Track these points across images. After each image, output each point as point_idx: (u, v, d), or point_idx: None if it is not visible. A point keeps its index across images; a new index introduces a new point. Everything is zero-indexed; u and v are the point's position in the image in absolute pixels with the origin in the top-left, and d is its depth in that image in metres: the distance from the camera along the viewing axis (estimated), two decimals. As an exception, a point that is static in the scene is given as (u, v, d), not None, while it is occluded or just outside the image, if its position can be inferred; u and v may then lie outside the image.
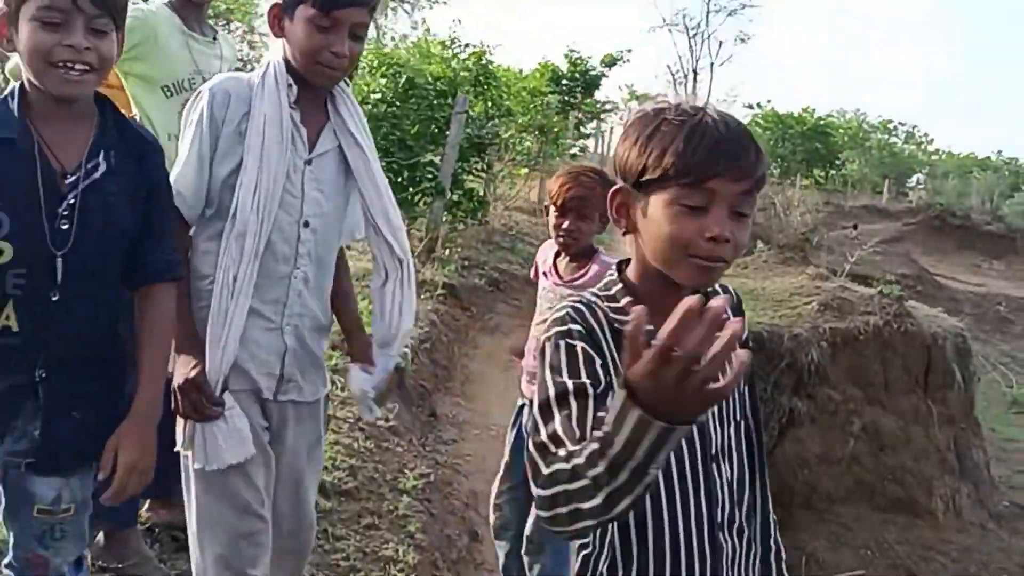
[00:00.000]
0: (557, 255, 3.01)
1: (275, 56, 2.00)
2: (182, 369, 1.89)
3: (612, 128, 23.25)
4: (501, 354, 7.28)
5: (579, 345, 1.32)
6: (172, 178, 1.92)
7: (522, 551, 3.00)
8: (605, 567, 1.40)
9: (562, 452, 1.17)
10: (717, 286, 1.49)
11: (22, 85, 1.61)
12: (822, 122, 41.60)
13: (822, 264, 15.40)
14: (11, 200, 1.56)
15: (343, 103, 2.06)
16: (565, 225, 2.85)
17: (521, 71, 16.33)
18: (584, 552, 1.42)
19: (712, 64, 36.14)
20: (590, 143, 22.58)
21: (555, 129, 13.86)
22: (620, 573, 1.39)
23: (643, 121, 1.36)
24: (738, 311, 1.62)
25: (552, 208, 2.89)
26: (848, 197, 40.24)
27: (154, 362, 1.73)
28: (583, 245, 2.90)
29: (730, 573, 1.44)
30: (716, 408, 1.44)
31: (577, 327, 1.34)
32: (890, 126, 46.88)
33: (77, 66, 1.56)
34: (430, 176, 8.53)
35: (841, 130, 43.91)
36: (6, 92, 1.63)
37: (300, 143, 1.99)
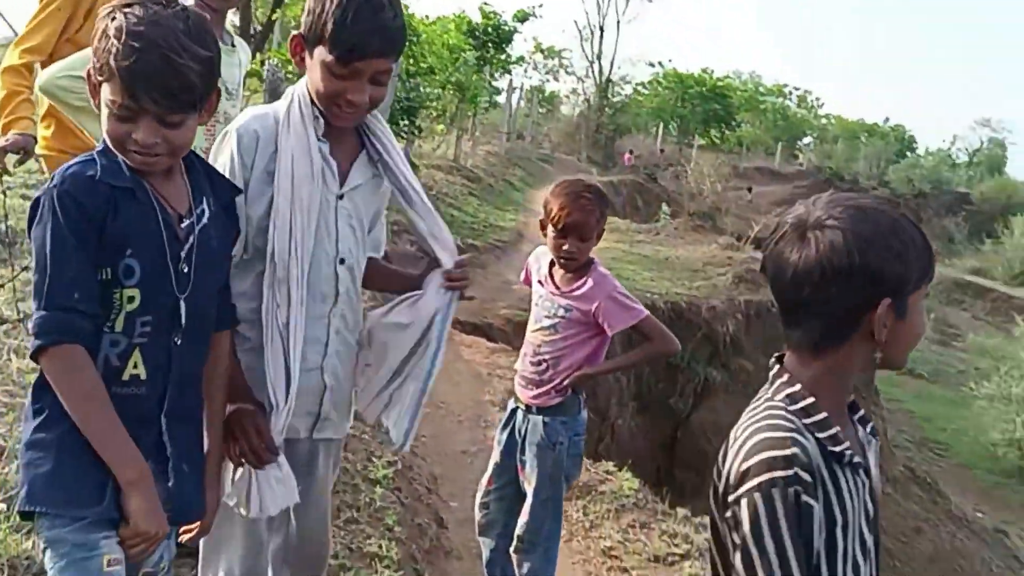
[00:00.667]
0: (552, 263, 3.06)
1: (299, 89, 1.93)
2: (241, 415, 1.86)
3: (523, 84, 23.27)
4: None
5: (807, 503, 1.28)
6: None
7: (511, 549, 3.09)
8: None
9: None
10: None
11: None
12: (720, 84, 42.53)
13: (727, 229, 15.99)
14: (140, 247, 1.55)
15: (378, 130, 2.00)
16: (566, 247, 2.90)
17: (428, 16, 16.07)
18: None
19: (619, 22, 36.26)
20: (501, 98, 22.52)
21: (472, 87, 13.78)
22: None
23: (893, 228, 1.37)
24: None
25: (551, 228, 2.93)
26: (743, 158, 41.50)
27: (221, 405, 1.77)
28: (582, 262, 2.96)
29: None
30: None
31: (805, 476, 1.28)
32: (784, 90, 48.31)
33: (151, 158, 1.56)
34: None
35: (738, 92, 44.98)
36: (100, 146, 1.60)
37: (331, 177, 1.93)
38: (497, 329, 7.65)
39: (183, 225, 1.61)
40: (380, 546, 3.37)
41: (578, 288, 2.95)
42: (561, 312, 2.96)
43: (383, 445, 4.20)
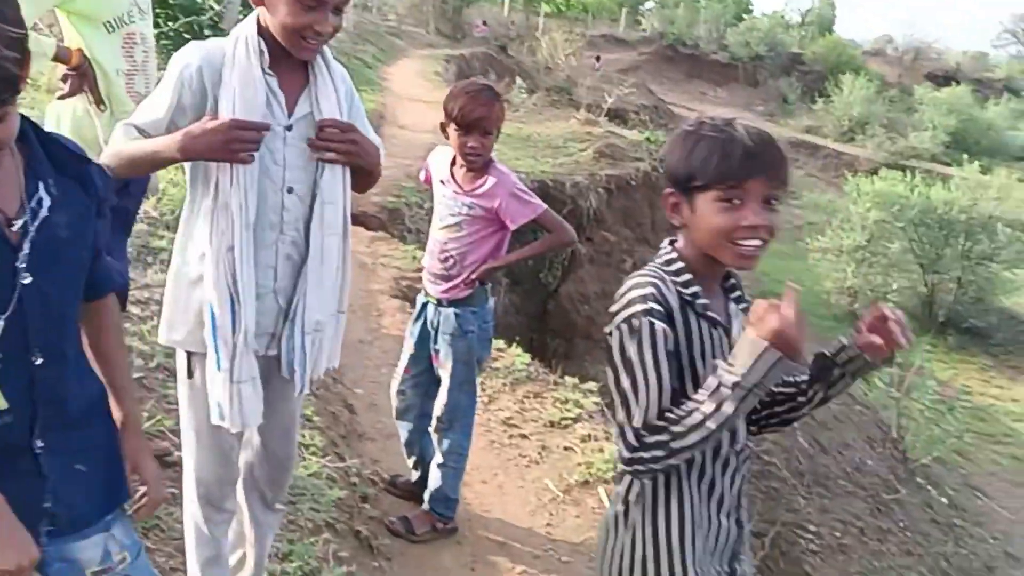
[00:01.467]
0: (452, 163, 3.25)
1: (245, 27, 2.01)
2: (212, 130, 1.88)
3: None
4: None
5: (662, 329, 1.62)
6: (138, 120, 1.96)
7: (431, 428, 3.40)
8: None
9: (675, 416, 1.58)
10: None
11: None
12: (564, -51, 41.96)
13: (582, 102, 16.31)
14: None
15: (321, 69, 2.08)
16: (471, 144, 3.09)
17: None
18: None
19: None
20: None
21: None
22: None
23: (685, 136, 1.71)
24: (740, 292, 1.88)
25: (454, 127, 3.11)
26: (588, 25, 41.59)
27: (124, 369, 1.67)
28: (484, 159, 3.17)
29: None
30: None
31: (659, 308, 1.63)
32: (626, -47, 48.10)
33: None
34: (211, 24, 8.11)
35: (581, -44, 44.54)
36: None
37: (279, 109, 2.02)
38: (372, 217, 7.75)
39: (14, 228, 1.39)
40: (304, 435, 3.63)
41: (480, 186, 3.16)
42: (465, 210, 3.18)
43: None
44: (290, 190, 2.06)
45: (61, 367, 1.49)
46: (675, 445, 1.59)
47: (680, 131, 1.75)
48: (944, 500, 9.97)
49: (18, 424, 1.44)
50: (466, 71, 20.81)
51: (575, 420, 4.52)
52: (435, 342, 3.31)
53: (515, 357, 5.05)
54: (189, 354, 2.13)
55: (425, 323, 3.35)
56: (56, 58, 2.63)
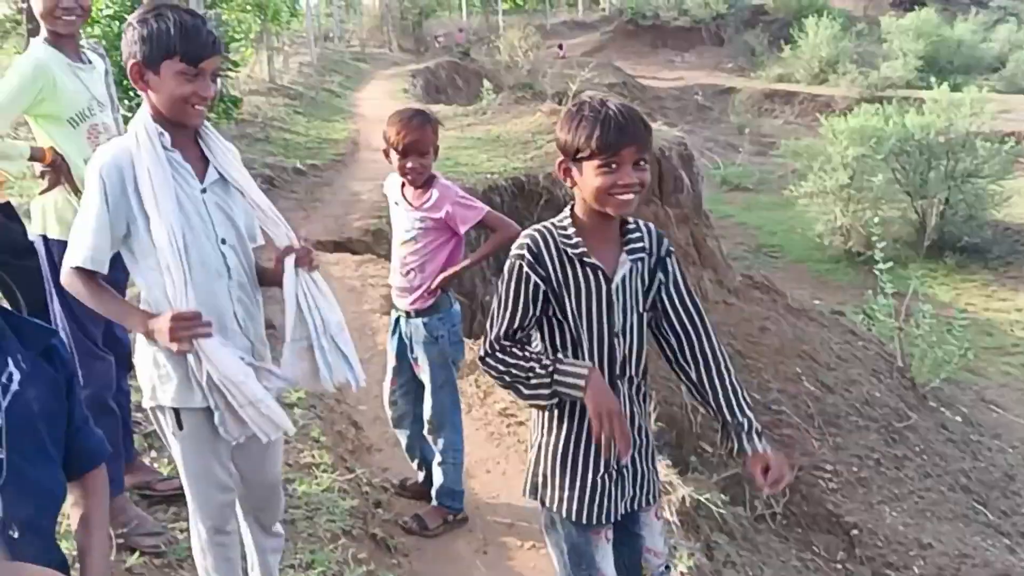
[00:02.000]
0: (402, 185, 3.53)
1: (140, 118, 2.27)
2: (153, 323, 2.17)
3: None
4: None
5: (527, 272, 2.13)
6: (81, 261, 2.19)
7: (424, 431, 3.67)
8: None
9: (517, 352, 2.15)
10: (642, 225, 2.25)
11: None
12: (511, -59, 42.08)
13: (548, 92, 16.54)
14: None
15: (211, 141, 2.37)
16: (409, 165, 3.37)
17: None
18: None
19: None
20: (302, 4, 21.89)
21: (271, 4, 13.54)
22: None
23: (570, 117, 2.12)
24: (660, 243, 2.29)
25: (393, 152, 3.39)
26: (547, 15, 41.77)
27: (100, 553, 1.62)
28: (426, 177, 3.44)
29: (627, 406, 2.28)
30: (621, 302, 2.23)
31: (528, 256, 2.13)
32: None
33: None
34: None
35: (531, -53, 44.65)
36: None
37: (190, 176, 2.28)
38: (357, 241, 8.04)
39: None
40: (313, 456, 3.91)
41: (427, 200, 3.44)
42: (418, 224, 3.46)
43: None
44: (223, 241, 2.33)
45: (40, 540, 1.47)
46: (507, 371, 2.17)
47: (566, 112, 2.15)
48: (958, 419, 10.19)
49: None
50: (433, 82, 21.10)
51: (566, 400, 4.77)
52: (412, 351, 3.58)
53: (505, 351, 5.31)
54: (176, 411, 2.35)
55: (400, 336, 3.62)
56: (32, 158, 2.92)
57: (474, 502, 3.94)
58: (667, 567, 2.50)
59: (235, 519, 2.57)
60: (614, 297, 2.22)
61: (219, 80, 9.63)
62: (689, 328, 2.30)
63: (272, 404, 2.32)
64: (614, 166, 2.05)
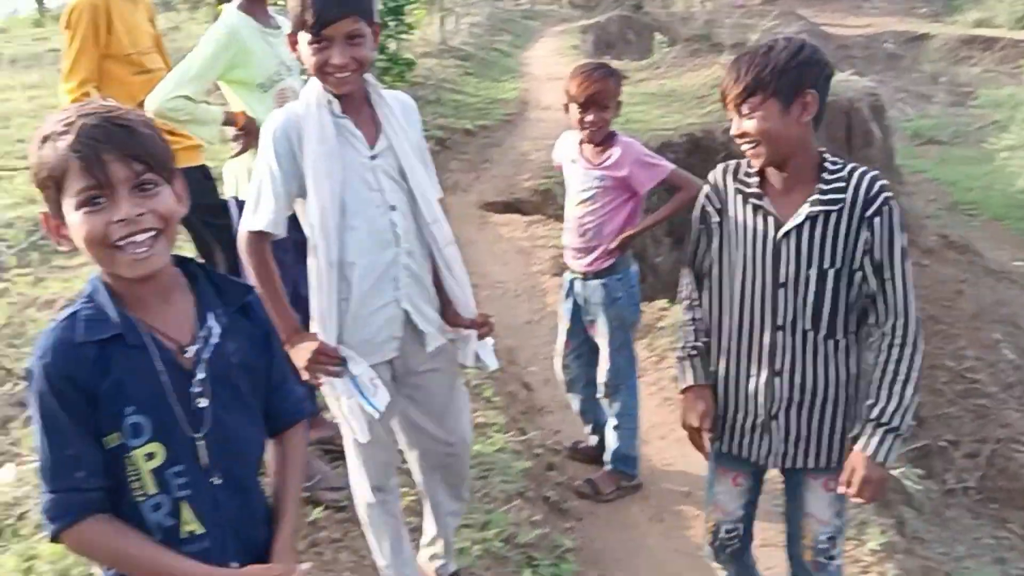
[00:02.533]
0: (580, 143, 3.42)
1: (312, 84, 2.26)
2: (295, 343, 2.23)
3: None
4: (469, 211, 7.72)
5: (703, 201, 2.28)
6: (261, 226, 2.23)
7: (599, 395, 3.59)
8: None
9: (686, 316, 2.38)
10: (854, 175, 2.07)
11: (100, 280, 1.46)
12: None
13: (726, 45, 15.88)
14: (142, 399, 1.42)
15: (384, 107, 2.32)
16: (589, 118, 3.26)
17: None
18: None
19: None
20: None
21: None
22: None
23: None
24: (869, 198, 2.05)
25: (574, 105, 3.28)
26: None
27: (296, 500, 1.67)
28: (605, 132, 3.32)
29: (781, 359, 2.18)
30: (792, 253, 2.10)
31: (708, 186, 2.27)
32: None
33: (139, 237, 1.38)
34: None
35: None
36: (86, 290, 1.47)
37: (360, 144, 2.25)
38: (527, 202, 8.02)
39: (187, 354, 1.47)
40: (486, 416, 3.92)
41: (608, 158, 3.33)
42: (596, 183, 3.35)
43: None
44: (393, 208, 2.30)
45: (241, 491, 1.52)
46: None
47: None
48: None
49: (216, 550, 1.48)
50: (604, 37, 20.73)
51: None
52: (587, 314, 3.50)
53: (680, 314, 5.14)
54: None
55: (574, 298, 3.54)
56: (225, 122, 3.02)
57: (648, 468, 3.84)
58: (832, 538, 2.30)
59: (395, 478, 2.58)
60: (782, 246, 2.09)
61: (394, 43, 9.80)
62: (881, 310, 2.08)
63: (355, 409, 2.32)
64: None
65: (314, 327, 2.29)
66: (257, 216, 2.24)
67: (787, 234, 2.09)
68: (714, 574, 2.60)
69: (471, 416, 3.83)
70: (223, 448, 1.49)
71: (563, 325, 3.66)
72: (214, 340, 1.50)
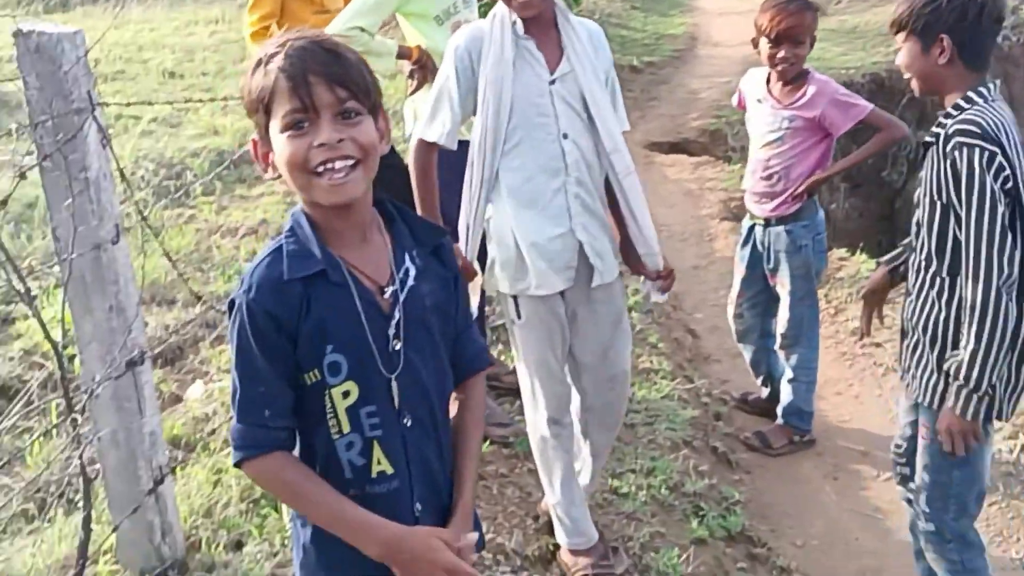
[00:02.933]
0: (768, 80, 3.22)
1: (500, 7, 2.25)
2: None
3: None
4: (635, 150, 7.53)
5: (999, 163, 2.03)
6: (427, 122, 2.28)
7: (777, 346, 3.43)
8: None
9: None
10: None
11: (303, 212, 1.45)
12: None
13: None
14: (342, 337, 1.41)
15: (566, 31, 2.28)
16: (781, 54, 3.06)
17: None
18: None
19: None
20: None
21: None
22: None
23: None
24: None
25: (765, 40, 3.08)
26: None
27: (472, 457, 1.61)
28: (798, 69, 3.11)
29: None
30: None
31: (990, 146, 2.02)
32: None
33: (337, 164, 1.36)
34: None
35: None
36: (288, 225, 1.45)
37: (540, 66, 2.24)
38: (694, 142, 7.75)
39: (386, 296, 1.45)
40: (651, 361, 3.83)
41: (800, 97, 3.12)
42: (785, 124, 3.15)
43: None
44: (565, 136, 2.26)
45: (427, 433, 1.51)
46: None
47: None
48: None
49: (404, 491, 1.47)
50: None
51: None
52: (768, 261, 3.33)
53: (860, 264, 4.86)
54: (515, 298, 2.38)
55: (755, 244, 3.37)
56: (399, 55, 3.01)
57: (823, 424, 3.67)
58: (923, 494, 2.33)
59: (570, 412, 2.54)
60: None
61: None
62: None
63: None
64: None
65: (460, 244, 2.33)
66: (432, 127, 2.29)
67: None
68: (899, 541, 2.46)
69: (635, 360, 3.79)
70: (414, 390, 1.48)
71: (739, 273, 3.50)
72: (410, 282, 1.47)
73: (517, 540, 2.65)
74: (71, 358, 2.43)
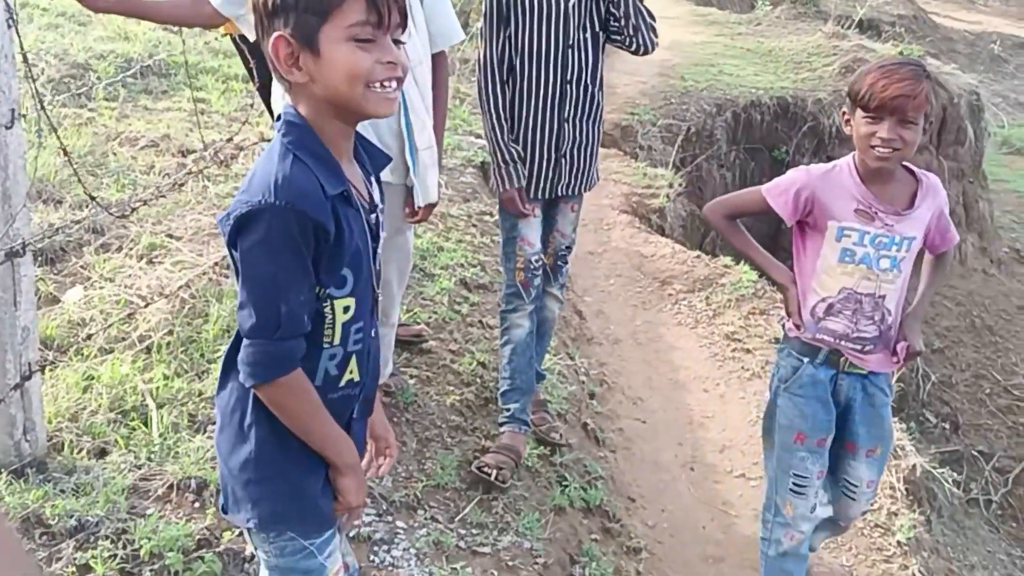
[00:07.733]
0: (858, 177, 2.38)
1: None
2: None
3: None
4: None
5: None
6: None
7: None
8: None
9: None
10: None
11: (303, 123, 1.42)
12: None
13: (831, 13, 15.33)
14: (353, 254, 1.44)
15: None
16: (885, 135, 2.25)
17: None
18: None
19: None
20: None
21: None
22: None
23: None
24: None
25: (860, 114, 2.30)
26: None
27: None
28: (904, 158, 2.35)
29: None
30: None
31: None
32: None
33: (392, 82, 1.40)
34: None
35: None
36: (285, 128, 1.42)
37: None
38: (605, 135, 7.87)
39: (372, 216, 1.52)
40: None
41: (917, 205, 2.35)
42: (906, 244, 2.35)
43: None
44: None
45: (378, 343, 1.60)
46: None
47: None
48: None
49: (366, 391, 1.57)
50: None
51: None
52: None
53: (742, 274, 5.09)
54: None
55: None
56: None
57: (687, 417, 3.84)
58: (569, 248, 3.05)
59: None
60: None
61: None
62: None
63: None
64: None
65: None
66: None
67: None
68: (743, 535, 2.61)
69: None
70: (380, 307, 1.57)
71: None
72: (380, 205, 1.56)
73: (385, 485, 2.69)
74: (-49, 238, 2.32)
